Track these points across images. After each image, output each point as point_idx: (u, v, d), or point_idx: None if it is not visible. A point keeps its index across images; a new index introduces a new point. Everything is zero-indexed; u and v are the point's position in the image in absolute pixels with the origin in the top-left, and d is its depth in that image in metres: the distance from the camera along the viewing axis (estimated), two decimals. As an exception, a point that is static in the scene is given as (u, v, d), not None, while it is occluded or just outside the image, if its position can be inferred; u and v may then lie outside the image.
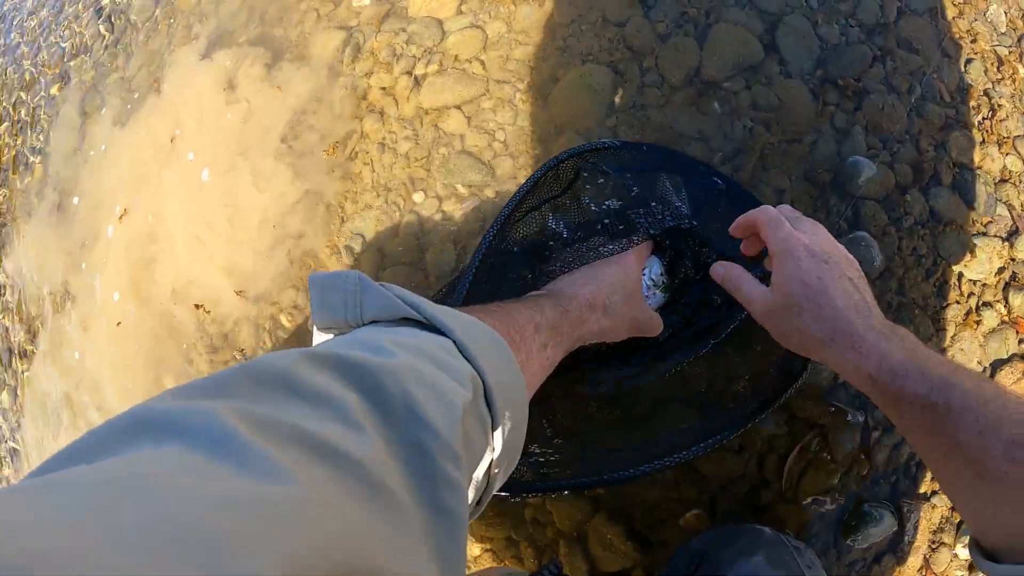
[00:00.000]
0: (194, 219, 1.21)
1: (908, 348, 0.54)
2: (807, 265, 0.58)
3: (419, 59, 1.09)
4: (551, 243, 0.81)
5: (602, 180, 0.85)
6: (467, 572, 0.95)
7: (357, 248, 1.04)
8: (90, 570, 0.17)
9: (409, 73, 1.08)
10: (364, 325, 0.43)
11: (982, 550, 0.48)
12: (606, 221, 0.82)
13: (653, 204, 0.83)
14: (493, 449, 0.43)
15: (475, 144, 1.00)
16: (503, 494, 0.64)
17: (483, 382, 0.41)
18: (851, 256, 0.65)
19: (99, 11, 1.70)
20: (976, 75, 1.08)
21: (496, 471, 0.44)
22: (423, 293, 0.98)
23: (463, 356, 0.42)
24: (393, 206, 1.03)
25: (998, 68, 1.10)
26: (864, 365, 0.53)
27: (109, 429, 0.27)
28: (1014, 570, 0.43)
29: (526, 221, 0.80)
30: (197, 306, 1.19)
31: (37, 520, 0.19)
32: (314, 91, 1.16)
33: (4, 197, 1.80)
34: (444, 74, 1.05)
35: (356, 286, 0.43)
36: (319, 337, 0.44)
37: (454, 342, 0.42)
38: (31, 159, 1.73)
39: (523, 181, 0.79)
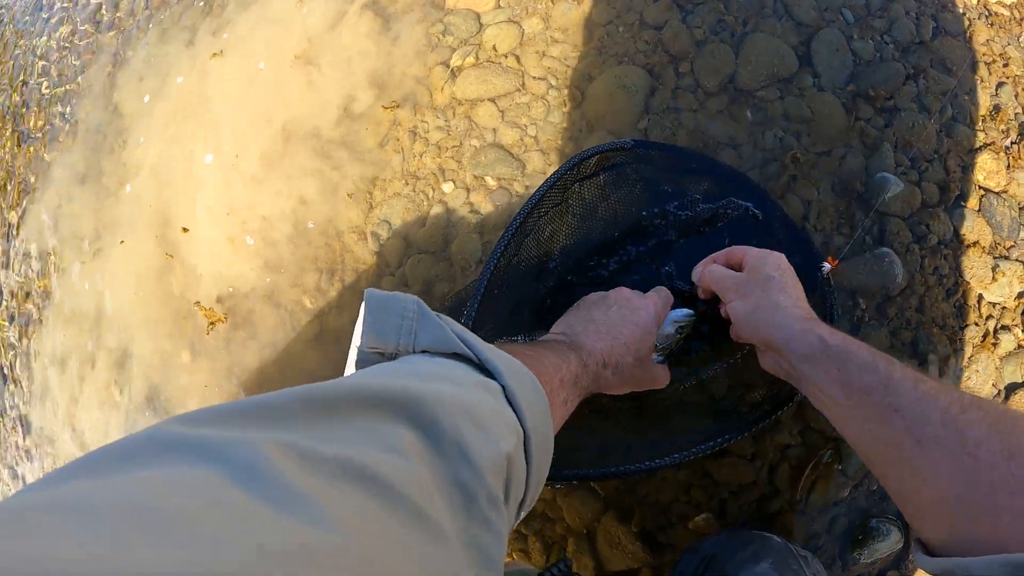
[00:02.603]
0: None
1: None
2: (767, 271, 0.69)
3: (455, 50, 1.09)
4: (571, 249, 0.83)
5: (627, 183, 0.86)
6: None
7: (383, 235, 1.05)
8: None
9: (445, 64, 1.09)
10: (413, 353, 0.43)
11: (922, 545, 0.49)
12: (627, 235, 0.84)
13: (679, 213, 0.85)
14: (525, 495, 0.43)
15: (507, 138, 1.01)
16: None
17: (524, 431, 0.41)
18: None
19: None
20: (1007, 99, 1.08)
21: (521, 513, 0.44)
22: (446, 283, 0.99)
23: (509, 402, 0.42)
24: (421, 195, 1.04)
25: (1028, 94, 1.11)
26: (816, 329, 0.59)
27: (135, 439, 0.25)
28: (950, 563, 0.43)
29: (548, 225, 0.81)
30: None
31: (58, 556, 0.18)
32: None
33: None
34: (480, 67, 1.06)
35: (415, 313, 0.43)
36: (358, 356, 0.43)
37: (503, 387, 0.42)
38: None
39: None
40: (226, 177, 1.23)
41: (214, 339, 1.16)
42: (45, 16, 1.88)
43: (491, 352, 0.44)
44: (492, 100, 1.03)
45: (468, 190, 1.01)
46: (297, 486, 0.25)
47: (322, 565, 0.23)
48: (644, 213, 0.86)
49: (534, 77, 1.03)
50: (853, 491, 0.92)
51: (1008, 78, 1.11)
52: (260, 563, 0.21)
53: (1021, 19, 1.18)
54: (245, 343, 1.13)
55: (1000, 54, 1.12)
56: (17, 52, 1.91)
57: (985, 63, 1.10)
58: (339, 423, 0.30)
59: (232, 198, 1.21)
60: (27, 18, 1.93)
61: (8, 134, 1.83)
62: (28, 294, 1.61)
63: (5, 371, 1.64)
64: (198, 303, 1.20)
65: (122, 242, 1.37)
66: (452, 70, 1.08)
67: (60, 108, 1.70)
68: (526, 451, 0.41)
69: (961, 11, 1.13)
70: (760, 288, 0.66)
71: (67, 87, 1.71)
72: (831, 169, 0.95)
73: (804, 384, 0.60)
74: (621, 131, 0.98)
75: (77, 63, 1.71)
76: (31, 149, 1.74)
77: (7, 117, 1.85)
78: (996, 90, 1.09)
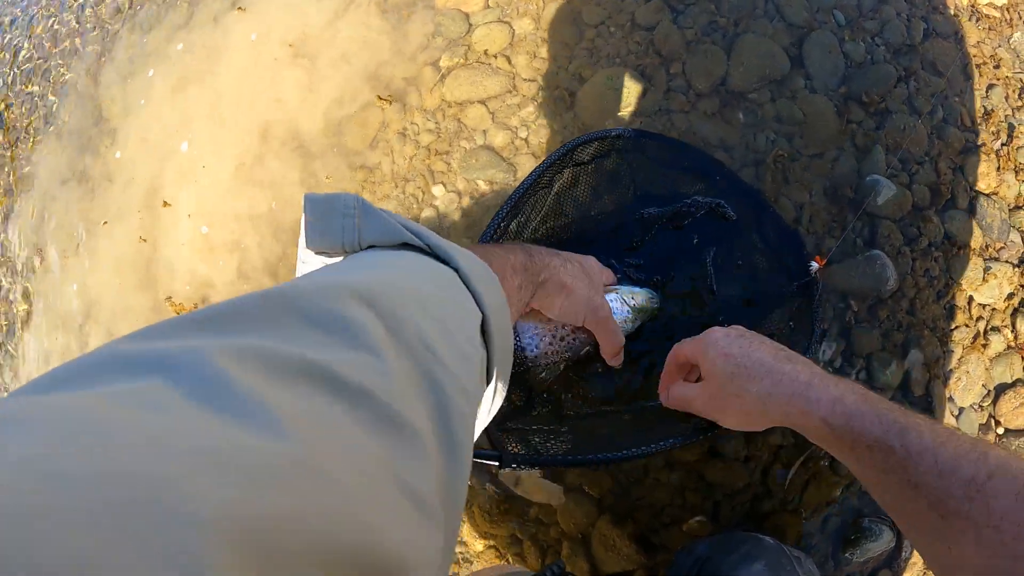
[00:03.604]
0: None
1: (859, 392, 0.53)
2: (724, 341, 0.61)
3: (445, 51, 1.08)
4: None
5: (618, 175, 0.86)
6: (471, 569, 0.95)
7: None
8: (20, 530, 0.15)
9: (434, 64, 1.08)
10: (361, 251, 0.41)
11: None
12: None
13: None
14: (490, 381, 0.42)
15: (498, 140, 1.00)
16: (494, 464, 0.64)
17: (483, 314, 0.40)
18: None
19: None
20: (997, 101, 1.09)
21: (493, 407, 0.44)
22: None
23: (466, 286, 0.40)
24: (411, 198, 1.03)
25: (1019, 95, 1.11)
26: (816, 410, 0.53)
27: (80, 362, 0.24)
28: None
29: (537, 207, 0.81)
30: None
31: None
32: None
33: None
34: (469, 67, 1.05)
35: (356, 210, 0.41)
36: (309, 259, 0.41)
37: (457, 270, 0.41)
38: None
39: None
40: (204, 171, 1.22)
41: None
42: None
43: (441, 239, 0.42)
44: (482, 102, 1.03)
45: (459, 194, 1.00)
46: (248, 392, 0.23)
47: (268, 474, 0.21)
48: (626, 207, 0.86)
49: (525, 79, 1.02)
50: (845, 491, 0.92)
51: (999, 80, 1.11)
52: (195, 467, 0.19)
53: (1012, 21, 1.18)
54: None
55: (991, 56, 1.13)
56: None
57: (976, 65, 1.10)
58: (300, 322, 0.28)
59: (209, 195, 1.19)
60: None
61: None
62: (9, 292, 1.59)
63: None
64: (169, 298, 1.19)
65: (105, 223, 1.35)
66: (442, 71, 1.07)
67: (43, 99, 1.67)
68: (484, 333, 0.41)
69: (952, 13, 1.13)
70: (728, 391, 0.59)
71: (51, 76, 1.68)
72: (823, 172, 0.95)
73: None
74: (613, 133, 0.97)
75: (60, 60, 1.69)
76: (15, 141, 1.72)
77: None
78: (987, 92, 1.09)
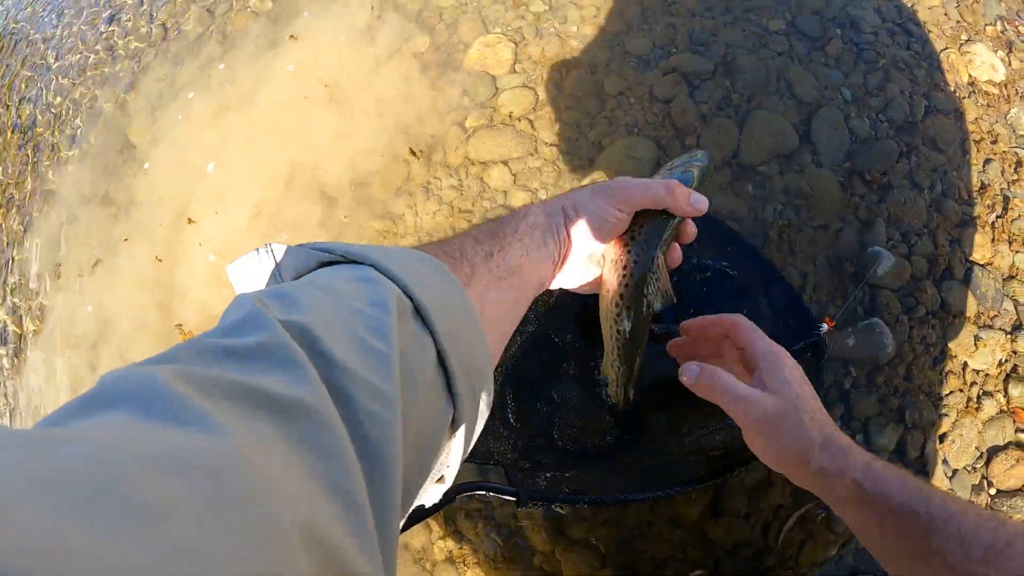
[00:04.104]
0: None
1: (882, 460, 0.56)
2: (797, 371, 0.60)
3: (471, 111, 1.14)
4: None
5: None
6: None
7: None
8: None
9: (460, 124, 1.14)
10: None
11: None
12: None
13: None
14: (445, 366, 0.39)
15: (518, 201, 1.05)
16: (511, 499, 0.65)
17: (411, 298, 0.39)
18: None
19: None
20: (994, 175, 1.14)
21: (459, 392, 0.40)
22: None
23: (386, 276, 0.39)
24: (433, 251, 1.08)
25: (1015, 169, 1.16)
26: (850, 470, 0.54)
27: (69, 405, 0.27)
28: None
29: None
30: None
31: None
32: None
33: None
34: (494, 129, 1.10)
35: (269, 255, 0.42)
36: None
37: (374, 266, 0.40)
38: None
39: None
40: (225, 204, 1.27)
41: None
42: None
43: (357, 245, 0.42)
44: (505, 163, 1.08)
45: (480, 250, 1.06)
46: (193, 401, 0.26)
47: (204, 468, 0.23)
48: None
49: (546, 143, 1.08)
50: (841, 549, 0.96)
51: (995, 155, 1.17)
52: (141, 467, 0.21)
53: (1009, 97, 1.24)
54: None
55: (988, 131, 1.18)
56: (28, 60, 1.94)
57: (974, 140, 1.16)
58: (223, 354, 0.30)
59: (227, 227, 1.24)
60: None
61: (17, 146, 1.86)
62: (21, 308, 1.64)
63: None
64: (179, 325, 1.24)
65: (126, 240, 1.40)
66: (467, 130, 1.13)
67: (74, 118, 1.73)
68: (422, 315, 0.39)
69: (953, 90, 1.19)
70: (790, 419, 0.56)
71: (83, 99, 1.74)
72: (827, 243, 1.00)
73: (835, 511, 0.58)
74: (628, 198, 1.03)
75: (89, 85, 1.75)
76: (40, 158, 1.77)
77: (16, 130, 1.89)
78: (984, 166, 1.15)
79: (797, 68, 1.11)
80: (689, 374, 0.64)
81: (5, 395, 1.66)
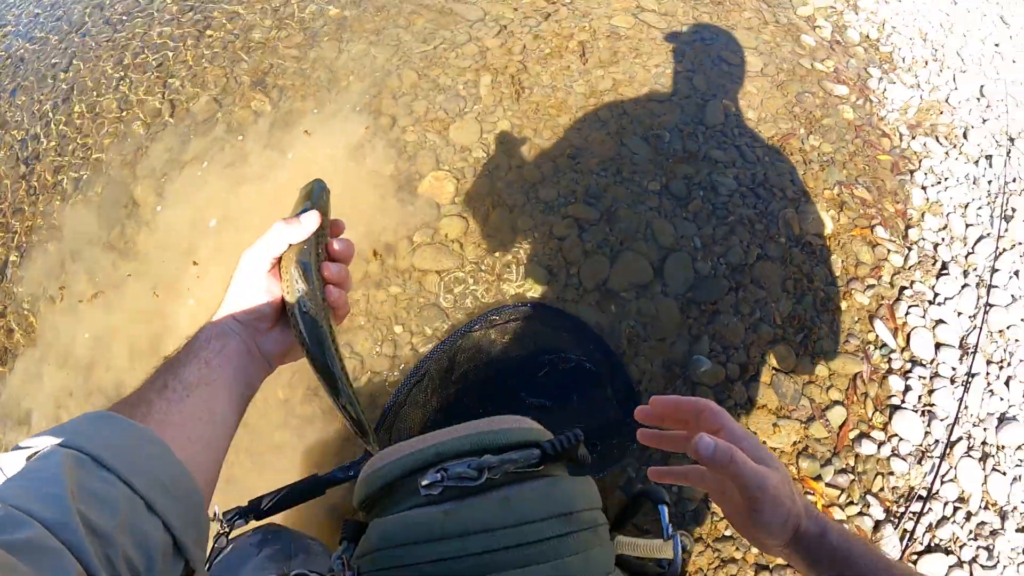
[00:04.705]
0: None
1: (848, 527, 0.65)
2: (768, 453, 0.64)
3: (418, 229, 1.53)
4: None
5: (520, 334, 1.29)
6: None
7: (346, 353, 1.44)
8: None
9: (409, 238, 1.52)
10: None
11: None
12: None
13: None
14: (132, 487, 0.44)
15: (445, 302, 1.43)
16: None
17: (85, 452, 0.44)
18: None
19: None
20: (806, 307, 1.54)
21: (153, 501, 0.45)
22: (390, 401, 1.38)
23: (71, 436, 0.45)
24: (377, 331, 1.44)
25: (823, 304, 1.57)
26: (828, 534, 0.58)
27: None
28: None
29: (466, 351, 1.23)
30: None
31: None
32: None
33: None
34: (433, 246, 1.49)
35: None
36: None
37: (42, 448, 0.45)
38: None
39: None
40: (213, 268, 1.63)
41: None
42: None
43: (33, 439, 0.46)
44: (438, 272, 1.46)
45: (412, 334, 1.42)
46: None
47: None
48: (526, 355, 1.28)
49: (470, 260, 1.46)
50: None
51: (808, 291, 1.57)
52: None
53: (832, 248, 1.66)
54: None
55: (807, 274, 1.59)
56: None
57: (794, 279, 1.57)
58: None
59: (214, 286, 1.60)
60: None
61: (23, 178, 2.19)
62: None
63: None
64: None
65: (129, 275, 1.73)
66: (414, 243, 1.51)
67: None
68: (103, 463, 0.44)
69: (783, 241, 1.61)
70: (785, 490, 0.58)
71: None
72: (663, 351, 1.38)
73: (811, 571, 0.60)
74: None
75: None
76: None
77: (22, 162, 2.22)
78: (799, 299, 1.55)
79: (662, 220, 1.52)
80: (705, 448, 0.62)
81: None
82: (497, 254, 1.46)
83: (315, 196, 0.67)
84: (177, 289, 1.73)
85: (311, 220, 0.63)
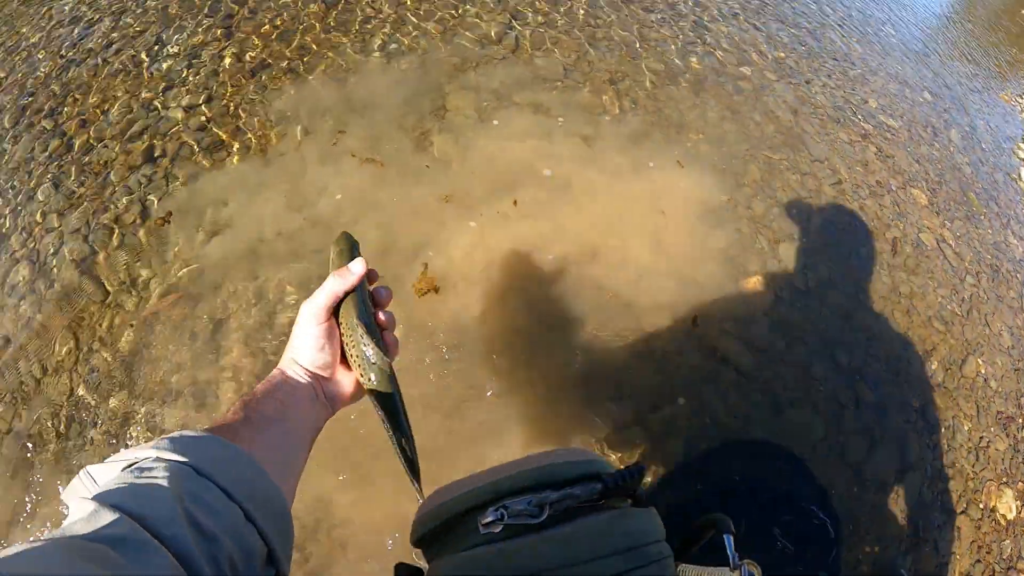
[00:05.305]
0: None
1: None
2: None
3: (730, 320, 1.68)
4: None
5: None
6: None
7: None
8: None
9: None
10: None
11: None
12: None
13: None
14: (233, 497, 0.48)
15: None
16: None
17: (192, 467, 0.47)
18: None
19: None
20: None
21: (248, 509, 0.48)
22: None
23: (173, 451, 0.48)
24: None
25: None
26: None
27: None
28: None
29: None
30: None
31: None
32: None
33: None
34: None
35: (88, 479, 0.49)
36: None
37: (166, 447, 0.49)
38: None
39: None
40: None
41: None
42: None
43: (164, 451, 0.49)
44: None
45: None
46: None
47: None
48: None
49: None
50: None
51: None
52: None
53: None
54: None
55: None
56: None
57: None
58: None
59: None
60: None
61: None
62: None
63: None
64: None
65: (427, 166, 1.89)
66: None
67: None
68: (205, 473, 0.48)
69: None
70: None
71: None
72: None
73: None
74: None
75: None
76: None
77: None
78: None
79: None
80: None
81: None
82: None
83: (356, 248, 0.74)
84: (474, 209, 1.84)
85: (359, 266, 0.68)
